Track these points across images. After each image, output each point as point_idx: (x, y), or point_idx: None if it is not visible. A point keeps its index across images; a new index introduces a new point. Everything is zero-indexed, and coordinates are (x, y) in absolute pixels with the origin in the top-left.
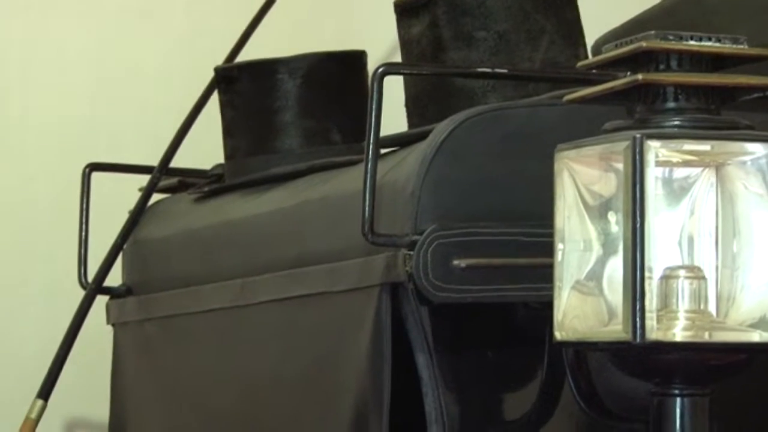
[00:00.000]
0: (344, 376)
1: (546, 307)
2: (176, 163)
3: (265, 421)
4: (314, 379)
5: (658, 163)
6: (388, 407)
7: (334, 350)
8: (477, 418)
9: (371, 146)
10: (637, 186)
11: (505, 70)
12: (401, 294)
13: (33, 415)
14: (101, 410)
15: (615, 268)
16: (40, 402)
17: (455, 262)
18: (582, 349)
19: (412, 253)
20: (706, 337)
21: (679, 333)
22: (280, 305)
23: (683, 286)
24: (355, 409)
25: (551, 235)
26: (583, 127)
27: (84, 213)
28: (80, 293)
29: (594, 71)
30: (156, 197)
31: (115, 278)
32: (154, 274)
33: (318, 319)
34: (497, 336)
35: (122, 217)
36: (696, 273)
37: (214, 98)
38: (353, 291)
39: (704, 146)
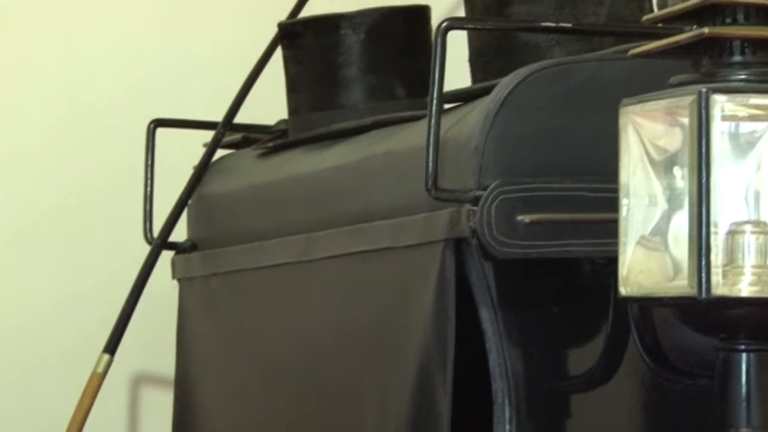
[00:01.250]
0: (408, 332)
1: (610, 262)
2: (240, 118)
3: (328, 375)
4: (378, 335)
5: (724, 118)
6: (452, 363)
7: (397, 306)
8: (541, 373)
9: (435, 101)
10: (703, 141)
11: (569, 25)
12: (465, 249)
13: (100, 370)
14: (167, 365)
15: (680, 223)
16: (106, 357)
17: (519, 218)
18: (647, 304)
19: (475, 208)
20: None
21: (745, 288)
22: (344, 260)
23: (749, 241)
24: (419, 365)
25: (616, 190)
26: (648, 82)
27: (149, 169)
28: (146, 249)
29: (659, 25)
30: (220, 153)
31: (180, 234)
32: (219, 230)
33: (382, 274)
34: (561, 291)
35: (187, 173)
36: (762, 228)
37: (278, 54)
38: (417, 246)
39: None
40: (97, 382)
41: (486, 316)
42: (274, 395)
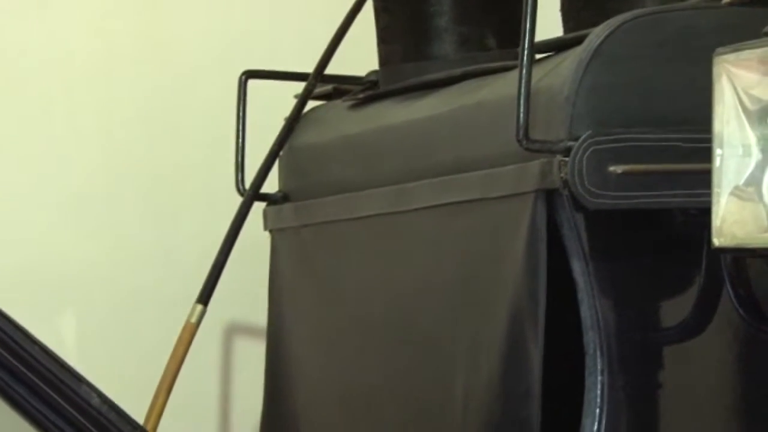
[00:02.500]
0: (499, 283)
1: (703, 213)
2: (331, 70)
3: (419, 326)
4: (469, 286)
5: None
6: (543, 313)
7: (488, 257)
8: (633, 324)
9: (526, 51)
10: None
11: None
12: (556, 200)
13: (193, 320)
14: (259, 315)
15: None
16: (199, 307)
17: (611, 168)
18: (740, 255)
19: (567, 159)
20: None
21: None
22: (435, 211)
23: None
24: (510, 316)
25: (709, 141)
26: (742, 31)
27: (241, 120)
28: (238, 200)
29: None
30: (311, 104)
31: (271, 185)
32: (310, 181)
33: (472, 225)
34: (653, 242)
35: (278, 124)
36: None
37: (369, 5)
38: (508, 197)
39: None
40: (190, 331)
41: (577, 268)
42: (365, 345)
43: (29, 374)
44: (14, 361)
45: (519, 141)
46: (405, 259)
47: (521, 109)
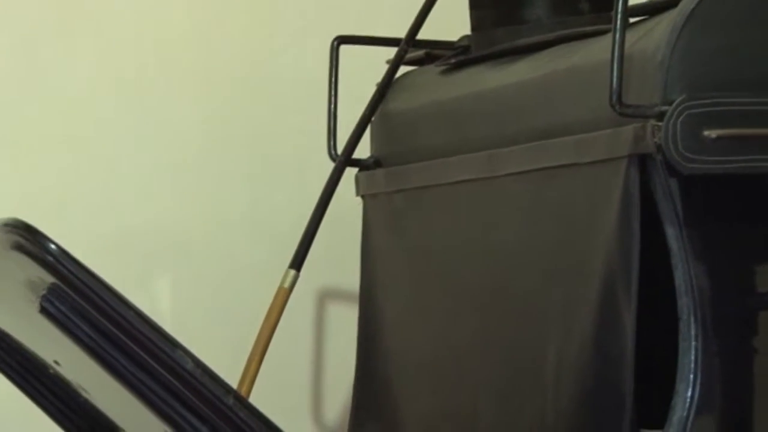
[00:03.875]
0: (592, 249)
1: None
2: (423, 35)
3: (511, 291)
4: (561, 252)
5: None
6: (636, 278)
7: (581, 222)
8: (727, 290)
9: (620, 15)
10: None
11: None
12: (650, 165)
13: (286, 285)
14: (352, 280)
15: None
16: (292, 272)
17: (705, 133)
18: None
19: (660, 123)
20: None
21: None
22: (527, 177)
23: None
24: (602, 282)
25: None
26: None
27: (333, 86)
28: (330, 165)
29: None
30: (403, 69)
31: (363, 151)
32: (402, 146)
33: (565, 190)
34: (748, 207)
35: (370, 90)
36: None
37: None
38: (601, 162)
39: None
40: (283, 297)
41: (671, 233)
42: (457, 311)
43: (124, 339)
44: (110, 326)
45: (612, 106)
46: (497, 225)
47: (614, 74)
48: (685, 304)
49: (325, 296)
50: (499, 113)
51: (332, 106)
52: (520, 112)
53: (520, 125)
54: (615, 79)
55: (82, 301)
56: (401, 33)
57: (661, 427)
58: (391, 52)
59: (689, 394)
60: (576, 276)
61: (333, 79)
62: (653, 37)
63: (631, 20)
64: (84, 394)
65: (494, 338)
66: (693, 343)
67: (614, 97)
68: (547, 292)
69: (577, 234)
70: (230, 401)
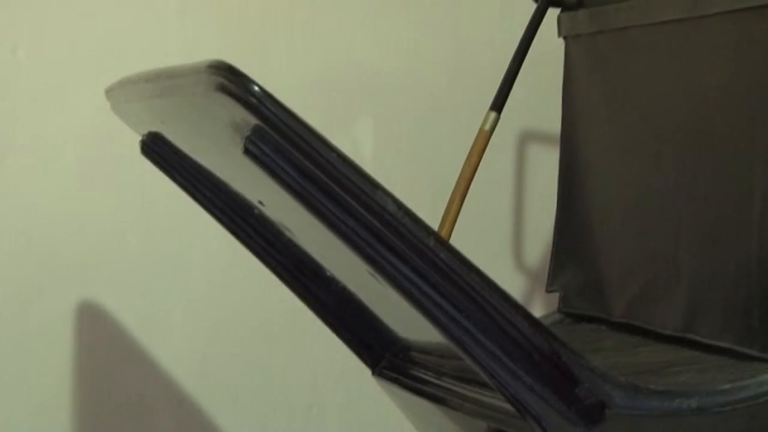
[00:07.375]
0: None
1: None
2: None
3: (716, 133)
4: (767, 91)
5: None
6: None
7: None
8: None
9: None
10: None
11: None
12: None
13: (487, 127)
14: (552, 122)
15: None
16: (493, 114)
17: None
18: None
19: None
20: None
21: None
22: (734, 16)
23: None
24: None
25: None
26: None
27: None
28: (532, 6)
29: None
30: None
31: None
32: None
33: None
34: None
35: None
36: None
37: None
38: None
39: None
40: (484, 139)
41: None
42: (660, 150)
43: (327, 180)
44: (312, 167)
45: None
46: (702, 65)
47: None
48: None
49: (526, 138)
50: None
51: None
52: None
53: None
54: None
55: (285, 142)
56: None
57: None
58: None
59: None
60: None
61: None
62: None
63: None
64: (288, 234)
65: (697, 182)
66: None
67: None
68: (753, 135)
69: None
70: (431, 242)
